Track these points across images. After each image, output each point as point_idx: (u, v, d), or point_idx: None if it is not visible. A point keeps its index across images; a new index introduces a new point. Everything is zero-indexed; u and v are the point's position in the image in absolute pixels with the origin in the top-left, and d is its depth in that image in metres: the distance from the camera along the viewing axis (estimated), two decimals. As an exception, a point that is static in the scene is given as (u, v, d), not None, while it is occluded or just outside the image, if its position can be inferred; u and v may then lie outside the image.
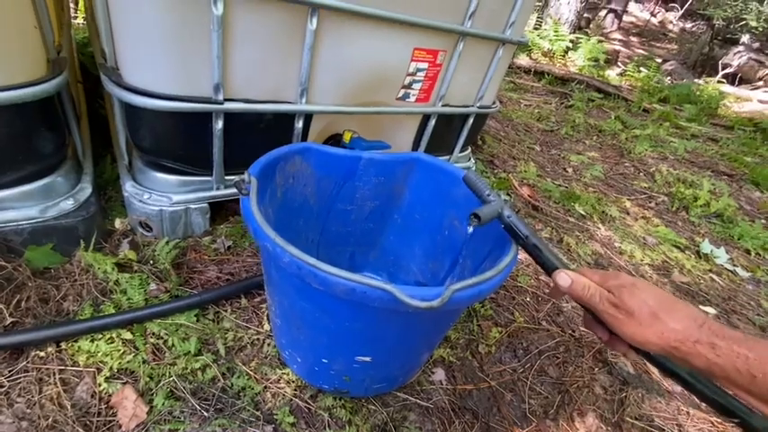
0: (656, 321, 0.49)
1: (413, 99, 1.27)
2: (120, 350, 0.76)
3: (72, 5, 2.29)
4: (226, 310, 0.90)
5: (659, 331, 0.49)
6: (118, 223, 1.03)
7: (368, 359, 0.66)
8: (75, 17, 2.31)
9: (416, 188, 0.95)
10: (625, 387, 0.94)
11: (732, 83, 5.84)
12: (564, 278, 0.58)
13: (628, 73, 5.17)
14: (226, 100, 0.91)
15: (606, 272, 0.58)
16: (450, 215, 0.90)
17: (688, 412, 0.92)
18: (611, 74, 5.11)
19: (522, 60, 4.41)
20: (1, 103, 0.72)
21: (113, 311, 0.81)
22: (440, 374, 0.87)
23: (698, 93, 4.67)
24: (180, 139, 0.95)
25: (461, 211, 0.88)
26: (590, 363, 0.99)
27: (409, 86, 1.22)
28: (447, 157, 1.61)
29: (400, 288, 0.49)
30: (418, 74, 1.20)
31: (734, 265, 1.66)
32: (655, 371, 0.96)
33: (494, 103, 1.58)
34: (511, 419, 0.83)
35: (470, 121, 1.50)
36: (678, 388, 0.94)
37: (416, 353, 0.73)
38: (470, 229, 0.61)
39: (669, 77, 5.64)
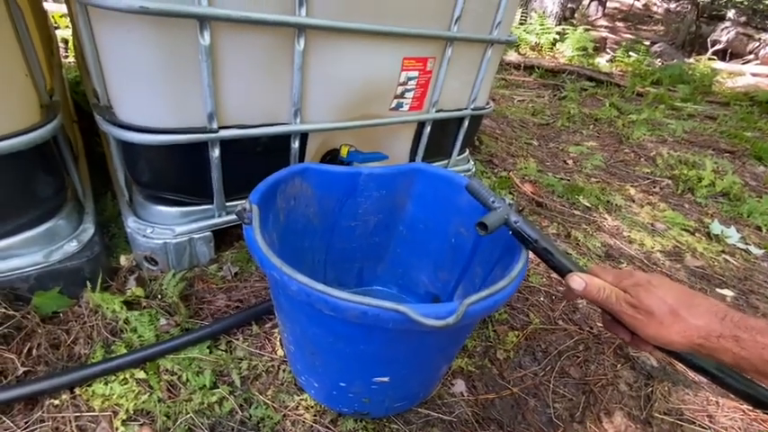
0: (676, 319, 0.48)
1: (406, 108, 1.27)
2: (134, 390, 0.75)
3: (62, 45, 2.32)
4: (238, 339, 0.89)
5: (681, 329, 0.48)
6: (123, 260, 1.02)
7: (386, 379, 0.64)
8: (66, 56, 2.34)
9: (419, 198, 0.94)
10: (650, 381, 0.92)
11: (723, 59, 5.83)
12: (577, 281, 0.56)
13: (617, 59, 5.18)
14: (220, 128, 0.91)
15: (620, 270, 0.57)
16: (456, 223, 0.89)
17: (717, 402, 0.90)
18: (601, 61, 5.11)
19: (511, 56, 4.42)
20: (-2, 152, 0.72)
21: (125, 351, 0.80)
22: (460, 386, 0.86)
23: (690, 72, 4.66)
24: (178, 170, 0.95)
25: (466, 218, 0.87)
26: (611, 359, 0.97)
27: (402, 96, 1.22)
28: (446, 161, 1.60)
29: (413, 307, 0.48)
30: (409, 83, 1.20)
31: (746, 244, 1.63)
32: (679, 363, 0.94)
33: (487, 103, 1.58)
34: (537, 426, 0.81)
35: (466, 123, 1.50)
36: (697, 374, 0.92)
37: (435, 368, 0.71)
38: (481, 234, 0.60)
39: (659, 59, 5.64)
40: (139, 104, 0.84)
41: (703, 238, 1.64)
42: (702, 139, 2.82)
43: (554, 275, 1.22)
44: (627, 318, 0.52)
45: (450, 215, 0.90)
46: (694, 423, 0.85)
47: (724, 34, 6.44)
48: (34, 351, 0.79)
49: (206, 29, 0.77)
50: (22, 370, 0.75)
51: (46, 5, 1.88)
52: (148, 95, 0.83)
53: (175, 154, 0.91)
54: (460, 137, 1.53)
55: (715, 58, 5.77)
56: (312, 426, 0.75)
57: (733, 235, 1.68)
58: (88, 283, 0.91)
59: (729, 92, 4.35)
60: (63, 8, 2.61)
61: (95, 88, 0.88)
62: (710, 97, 4.09)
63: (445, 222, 0.92)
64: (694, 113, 3.49)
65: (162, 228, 0.99)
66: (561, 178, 1.93)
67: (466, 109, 1.46)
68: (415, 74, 1.19)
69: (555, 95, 3.56)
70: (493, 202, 0.63)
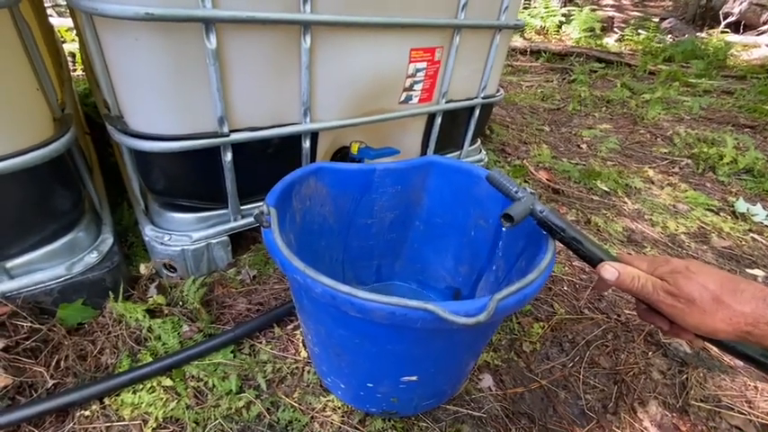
0: (720, 306, 0.46)
1: (416, 100, 1.24)
2: (162, 398, 0.76)
3: (69, 59, 2.35)
4: (260, 342, 0.89)
5: (726, 317, 0.45)
6: (143, 268, 1.03)
7: (414, 378, 0.63)
8: (74, 69, 2.37)
9: (435, 192, 0.92)
10: (684, 368, 0.89)
11: (736, 31, 5.63)
12: (610, 271, 0.54)
13: (626, 38, 5.04)
14: (231, 131, 0.91)
15: (654, 257, 0.55)
16: (475, 215, 0.87)
17: (756, 386, 0.87)
18: (609, 41, 4.98)
19: (517, 42, 4.34)
20: (14, 168, 0.73)
21: (151, 359, 0.81)
22: (487, 380, 0.84)
23: (703, 47, 4.51)
24: (192, 177, 0.95)
25: (485, 209, 0.85)
26: (642, 347, 0.94)
27: (410, 88, 1.20)
28: (458, 152, 1.58)
29: (442, 306, 0.46)
30: (418, 74, 1.17)
31: (774, 221, 1.57)
32: (713, 347, 0.90)
33: (497, 91, 1.54)
34: (569, 419, 0.79)
35: (476, 112, 1.47)
36: (741, 362, 0.89)
37: (463, 364, 0.70)
38: (504, 228, 0.58)
39: (670, 35, 5.47)
40: (150, 112, 0.84)
41: (728, 217, 1.58)
42: (720, 116, 2.73)
43: (577, 263, 1.19)
44: (665, 307, 0.49)
45: (469, 207, 0.88)
46: (733, 409, 0.82)
47: (736, 6, 6.21)
48: (62, 363, 0.80)
49: (212, 31, 0.76)
50: (51, 382, 0.76)
51: (51, 21, 1.90)
52: (159, 103, 0.82)
53: (188, 160, 0.90)
54: (471, 127, 1.50)
55: (728, 31, 5.58)
56: (340, 427, 0.74)
57: (760, 212, 1.62)
58: (110, 293, 0.92)
59: (745, 65, 4.20)
60: (68, 22, 2.64)
61: (106, 99, 0.88)
62: (726, 71, 3.95)
63: (463, 215, 0.90)
64: (710, 89, 3.38)
65: (179, 234, 1.00)
66: (576, 163, 1.88)
67: (476, 98, 1.43)
68: (424, 65, 1.17)
69: (564, 79, 3.49)
70: (516, 192, 0.61)
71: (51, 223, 0.86)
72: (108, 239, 0.96)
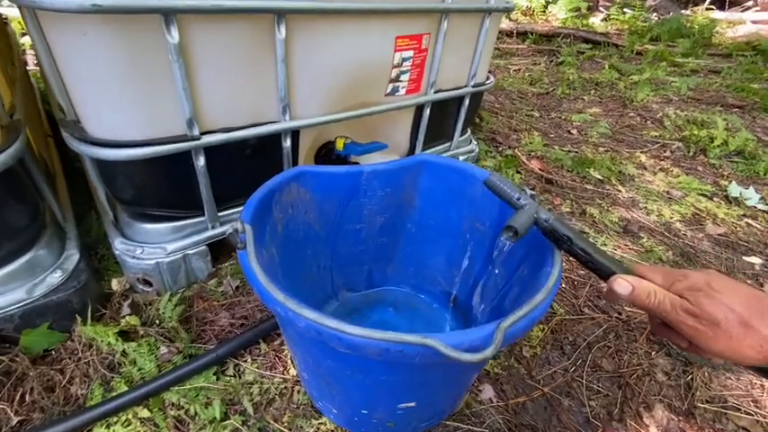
0: (749, 332, 0.41)
1: (403, 92, 1.17)
2: None
3: (30, 52, 2.19)
4: (246, 361, 0.83)
5: (756, 344, 0.41)
6: (115, 284, 0.95)
7: (412, 404, 0.58)
8: (37, 62, 2.21)
9: (427, 193, 0.86)
10: (688, 368, 0.87)
11: (721, 7, 5.61)
12: (623, 285, 0.49)
13: (612, 17, 4.98)
14: (203, 133, 0.83)
15: (670, 270, 0.50)
16: (470, 217, 0.82)
17: (762, 385, 0.84)
18: (596, 21, 4.92)
19: (503, 23, 4.24)
20: (-46, 187, 0.64)
21: (126, 388, 0.74)
22: (488, 391, 0.80)
23: (688, 25, 4.48)
24: (163, 184, 0.87)
25: (481, 212, 0.79)
26: (645, 347, 0.91)
27: (397, 79, 1.12)
28: (447, 144, 1.51)
29: (442, 340, 0.41)
30: (404, 64, 1.10)
31: (767, 204, 1.56)
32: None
33: (487, 78, 1.48)
34: (574, 428, 0.76)
35: (467, 101, 1.40)
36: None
37: (464, 385, 0.65)
38: (507, 246, 0.52)
39: (655, 14, 5.43)
40: (109, 117, 0.75)
41: (722, 202, 1.56)
42: (709, 96, 2.71)
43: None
44: (686, 328, 0.45)
45: (463, 209, 0.83)
46: (739, 410, 0.80)
47: (720, -19, 6.17)
48: (27, 397, 0.73)
49: (172, 24, 0.67)
50: (15, 420, 0.69)
51: (3, 10, 1.75)
52: (118, 106, 0.74)
53: (157, 167, 0.82)
54: (462, 117, 1.44)
55: (713, 7, 5.55)
56: (334, 451, 0.70)
57: (752, 196, 1.60)
58: (79, 315, 0.84)
59: (731, 42, 4.19)
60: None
61: (59, 102, 0.79)
62: (712, 50, 3.94)
63: (458, 217, 0.84)
64: (697, 69, 3.36)
65: (152, 247, 0.92)
66: (569, 151, 1.84)
67: (466, 86, 1.36)
68: (410, 53, 1.09)
69: (551, 61, 3.42)
70: (518, 198, 0.55)
71: (6, 242, 0.77)
72: (73, 256, 0.88)
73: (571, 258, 0.78)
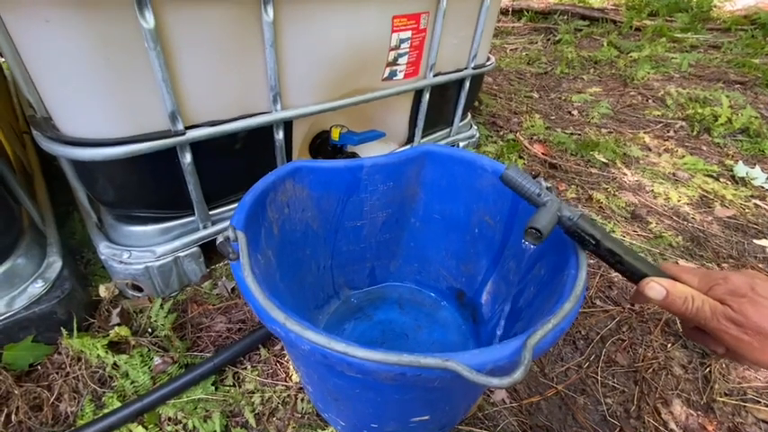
0: None
1: (401, 76, 1.10)
2: (134, 450, 0.66)
3: None
4: (245, 368, 0.79)
5: None
6: (103, 290, 0.90)
7: (426, 418, 0.54)
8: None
9: (432, 186, 0.81)
10: (705, 360, 0.84)
11: (719, -20, 5.47)
12: (657, 289, 0.45)
13: (609, -9, 4.83)
14: (188, 128, 0.76)
15: (708, 271, 0.45)
16: (479, 211, 0.77)
17: (781, 375, 0.82)
18: (592, -4, 4.78)
19: (497, 1, 4.11)
20: None
21: (118, 404, 0.70)
22: (500, 392, 0.77)
23: (687, -2, 4.36)
24: (147, 184, 0.81)
25: (490, 205, 0.74)
26: (660, 339, 0.88)
27: (394, 63, 1.06)
28: (448, 129, 1.45)
29: (464, 361, 0.36)
30: (402, 46, 1.03)
31: (774, 183, 1.53)
32: None
33: (488, 59, 1.41)
34: (590, 428, 0.73)
35: (467, 85, 1.34)
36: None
37: (481, 392, 0.62)
38: (531, 248, 0.47)
39: (652, -13, 5.28)
40: (84, 113, 0.68)
41: (729, 183, 1.52)
42: (710, 72, 2.65)
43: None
44: (728, 338, 0.41)
45: (471, 202, 0.78)
46: (759, 402, 0.77)
47: (717, -48, 6.02)
48: (13, 417, 0.68)
49: (146, 7, 0.60)
50: (0, 442, 0.65)
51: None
52: (92, 100, 0.67)
53: (140, 166, 0.76)
54: (462, 101, 1.38)
55: (710, -21, 5.42)
56: (343, 463, 0.66)
57: (759, 176, 1.56)
58: (64, 326, 0.79)
59: (729, 16, 4.09)
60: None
61: (27, 97, 0.72)
62: (710, 24, 3.84)
63: (465, 211, 0.80)
64: (697, 44, 3.28)
65: (140, 250, 0.86)
66: (571, 133, 1.78)
67: (466, 69, 1.29)
68: (408, 34, 1.02)
69: (549, 39, 3.32)
70: (539, 195, 0.50)
71: (-21, 253, 0.72)
72: (55, 263, 0.82)
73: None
